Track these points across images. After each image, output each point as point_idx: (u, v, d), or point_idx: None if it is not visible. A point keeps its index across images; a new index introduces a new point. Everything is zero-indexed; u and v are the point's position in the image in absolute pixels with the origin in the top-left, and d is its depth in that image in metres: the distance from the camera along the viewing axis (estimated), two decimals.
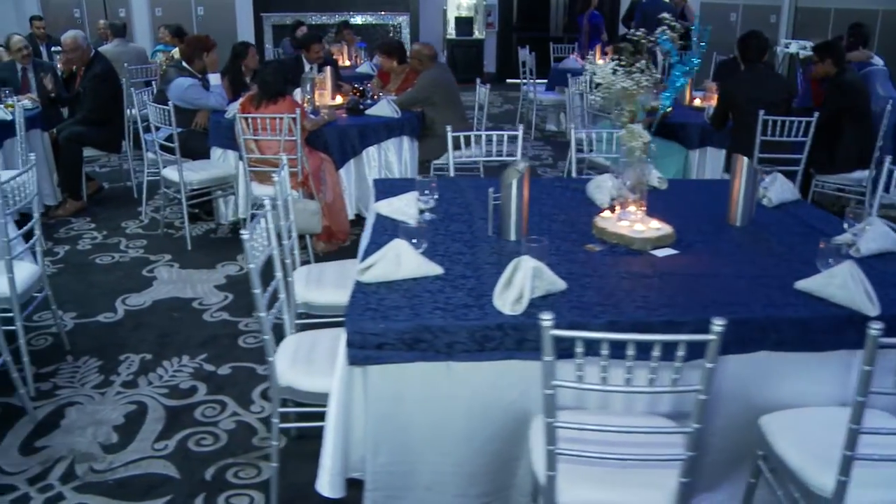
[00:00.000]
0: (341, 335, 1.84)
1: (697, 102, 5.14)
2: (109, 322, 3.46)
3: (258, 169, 3.96)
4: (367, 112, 4.49)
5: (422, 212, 2.53)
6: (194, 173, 4.26)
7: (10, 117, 4.42)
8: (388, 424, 1.89)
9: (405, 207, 2.53)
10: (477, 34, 10.58)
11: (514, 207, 2.34)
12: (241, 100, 4.13)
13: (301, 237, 4.21)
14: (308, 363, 2.15)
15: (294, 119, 3.76)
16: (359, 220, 4.55)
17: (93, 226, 4.77)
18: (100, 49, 5.76)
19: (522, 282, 1.88)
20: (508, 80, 10.56)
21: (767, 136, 4.09)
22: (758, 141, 4.09)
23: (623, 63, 2.21)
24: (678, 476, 1.64)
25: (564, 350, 1.58)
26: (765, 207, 2.74)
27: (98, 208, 5.08)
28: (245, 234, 1.96)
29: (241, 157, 4.26)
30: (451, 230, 2.43)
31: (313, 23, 9.79)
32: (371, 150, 4.33)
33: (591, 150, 3.76)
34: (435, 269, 2.05)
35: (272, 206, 2.31)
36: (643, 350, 1.53)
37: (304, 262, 4.09)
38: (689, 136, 4.64)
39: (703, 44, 2.37)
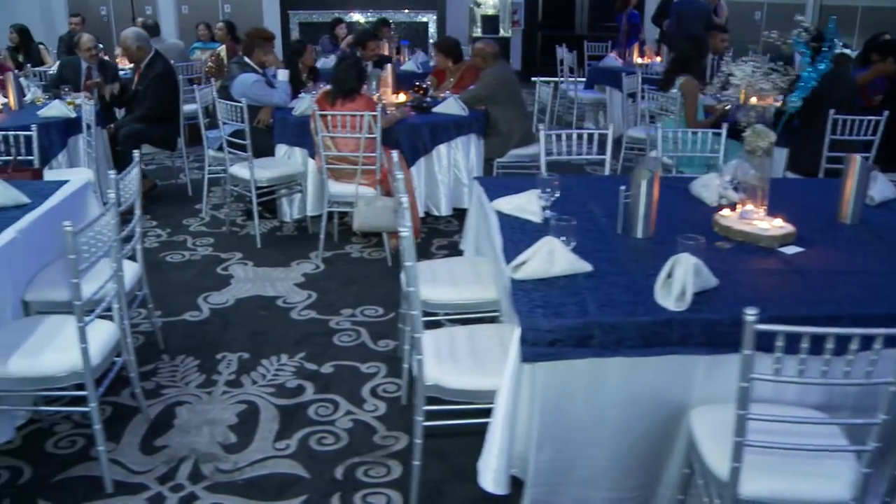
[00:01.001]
0: (513, 332, 1.84)
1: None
2: (197, 321, 3.45)
3: (335, 167, 3.96)
4: (435, 110, 4.48)
5: (543, 209, 2.54)
6: (264, 171, 4.25)
7: (74, 114, 4.41)
8: (553, 420, 1.90)
9: (527, 205, 2.54)
10: (503, 32, 10.60)
11: (643, 206, 2.36)
12: (315, 96, 4.12)
13: (377, 235, 4.22)
14: (453, 361, 2.15)
15: (375, 117, 3.76)
16: (426, 218, 4.57)
17: (154, 223, 4.75)
18: None
19: (684, 278, 1.90)
20: (532, 79, 10.57)
21: (837, 135, 4.12)
22: (827, 140, 4.12)
23: (760, 65, 2.23)
24: (861, 467, 1.67)
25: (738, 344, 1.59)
26: (867, 206, 2.76)
27: (155, 206, 5.06)
28: (405, 230, 1.97)
29: (311, 155, 4.27)
30: (579, 228, 2.43)
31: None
32: (441, 148, 4.34)
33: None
34: (585, 267, 2.07)
35: (403, 204, 2.32)
36: (838, 343, 1.56)
37: (380, 259, 4.12)
38: None
39: (836, 49, 2.40)
